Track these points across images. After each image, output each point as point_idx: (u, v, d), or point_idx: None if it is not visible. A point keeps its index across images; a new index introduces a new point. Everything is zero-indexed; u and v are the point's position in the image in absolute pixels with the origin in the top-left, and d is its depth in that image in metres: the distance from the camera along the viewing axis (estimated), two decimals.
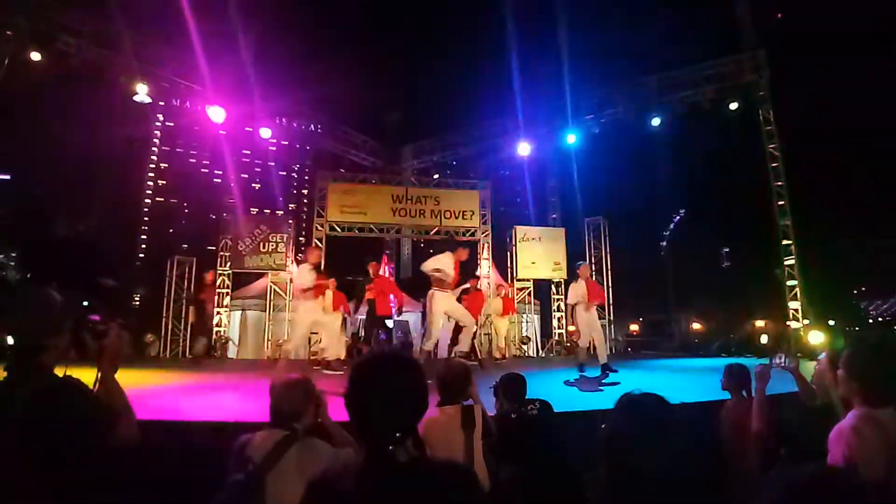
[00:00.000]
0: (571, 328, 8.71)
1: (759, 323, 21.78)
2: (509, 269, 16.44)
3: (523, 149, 16.46)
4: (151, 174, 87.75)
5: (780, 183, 14.22)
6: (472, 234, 16.15)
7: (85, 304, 2.00)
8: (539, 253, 16.05)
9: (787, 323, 14.01)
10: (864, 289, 53.91)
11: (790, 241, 14.07)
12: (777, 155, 14.29)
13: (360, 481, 1.18)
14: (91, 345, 1.91)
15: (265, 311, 14.88)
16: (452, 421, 2.75)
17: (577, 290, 7.95)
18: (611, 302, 16.79)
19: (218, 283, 15.31)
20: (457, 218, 15.75)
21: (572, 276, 16.87)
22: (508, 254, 16.47)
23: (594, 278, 16.66)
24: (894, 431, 1.82)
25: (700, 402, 4.66)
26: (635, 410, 1.61)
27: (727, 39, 15.53)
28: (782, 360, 3.27)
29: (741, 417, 3.38)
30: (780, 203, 14.17)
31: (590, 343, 8.15)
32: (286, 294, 14.60)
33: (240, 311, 15.17)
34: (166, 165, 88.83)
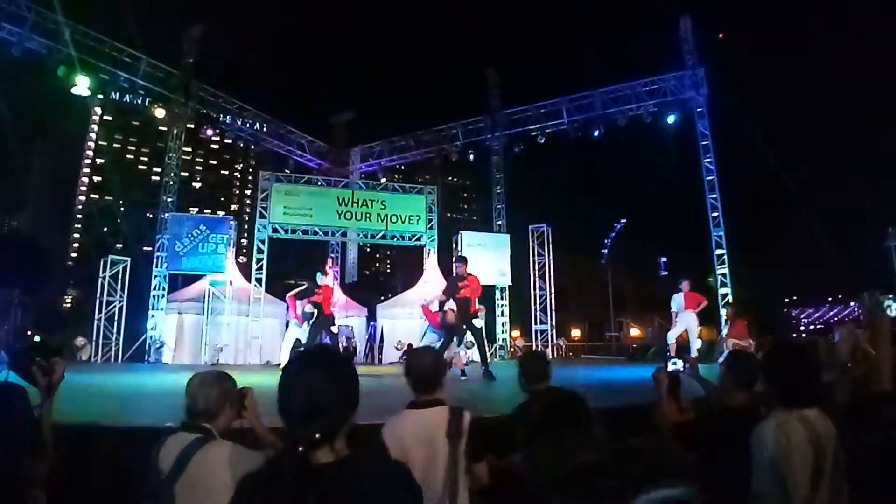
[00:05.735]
0: None
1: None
2: None
3: (471, 156, 16.62)
4: (87, 170, 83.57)
5: (714, 195, 14.83)
6: (419, 239, 16.13)
7: (37, 339, 2.32)
8: (485, 259, 16.13)
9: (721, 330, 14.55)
10: (795, 298, 56.84)
11: (723, 251, 14.69)
12: (711, 168, 14.92)
13: (264, 486, 1.14)
14: (41, 381, 2.22)
15: (203, 314, 14.34)
16: (437, 425, 2.29)
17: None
18: (553, 308, 17.09)
19: (153, 284, 14.74)
20: (403, 222, 15.69)
21: (517, 281, 17.18)
22: (454, 259, 16.48)
23: (538, 284, 17.11)
24: (821, 427, 1.91)
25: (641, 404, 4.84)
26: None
27: (670, 57, 16.08)
28: (678, 364, 3.33)
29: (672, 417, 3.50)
30: (714, 214, 14.79)
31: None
32: (225, 297, 14.17)
33: (176, 314, 14.59)
34: (103, 161, 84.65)
